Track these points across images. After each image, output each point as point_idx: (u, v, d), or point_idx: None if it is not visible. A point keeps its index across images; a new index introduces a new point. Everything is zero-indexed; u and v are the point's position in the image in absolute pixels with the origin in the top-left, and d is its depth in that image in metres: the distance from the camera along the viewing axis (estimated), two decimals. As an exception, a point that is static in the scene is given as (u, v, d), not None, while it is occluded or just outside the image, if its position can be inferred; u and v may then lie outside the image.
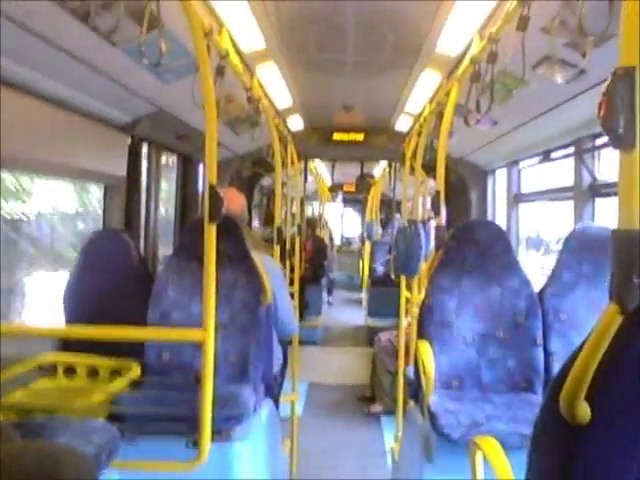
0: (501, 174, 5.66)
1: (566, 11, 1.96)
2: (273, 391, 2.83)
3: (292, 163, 4.95)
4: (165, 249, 4.69)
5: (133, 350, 2.42)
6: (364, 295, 9.85)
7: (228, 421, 2.22)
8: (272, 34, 3.16)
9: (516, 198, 5.25)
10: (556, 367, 2.58)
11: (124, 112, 3.41)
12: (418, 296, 3.53)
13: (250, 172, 6.38)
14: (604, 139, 3.56)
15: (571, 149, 3.96)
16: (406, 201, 4.59)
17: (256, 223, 9.05)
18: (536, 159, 4.71)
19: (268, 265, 2.76)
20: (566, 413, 0.87)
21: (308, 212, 11.25)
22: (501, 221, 5.30)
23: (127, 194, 3.75)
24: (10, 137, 2.37)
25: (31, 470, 1.31)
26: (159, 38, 1.91)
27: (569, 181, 3.99)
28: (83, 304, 2.78)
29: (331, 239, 12.38)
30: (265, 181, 8.34)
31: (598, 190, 3.72)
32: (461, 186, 5.95)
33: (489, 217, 5.84)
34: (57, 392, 2.33)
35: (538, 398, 2.53)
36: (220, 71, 2.55)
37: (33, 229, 3.77)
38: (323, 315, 8.29)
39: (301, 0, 2.81)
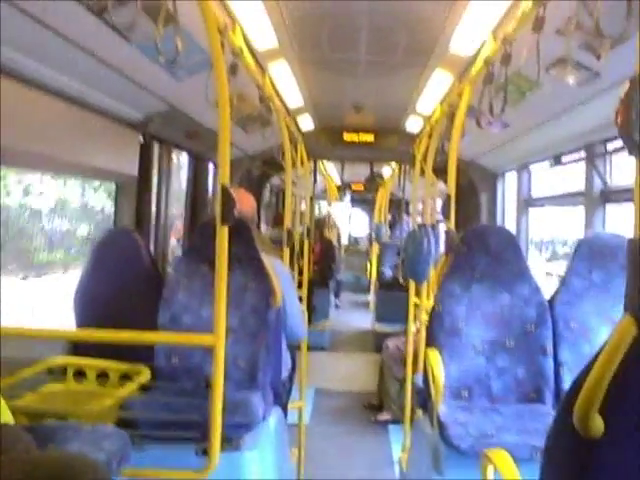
0: (511, 177, 5.64)
1: (582, 12, 1.94)
2: (282, 398, 2.79)
3: (302, 163, 4.94)
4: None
5: (143, 353, 2.41)
6: (371, 298, 9.81)
7: (238, 429, 2.20)
8: (284, 32, 3.15)
9: (526, 202, 5.22)
10: (566, 377, 2.56)
11: (136, 109, 3.41)
12: (427, 302, 3.51)
13: (260, 171, 6.38)
14: (616, 144, 3.54)
15: (582, 153, 3.93)
16: (416, 203, 4.58)
17: (264, 223, 9.04)
18: (547, 163, 4.69)
19: (278, 268, 2.73)
20: (579, 426, 0.86)
21: (316, 211, 11.22)
22: (510, 225, 5.28)
23: (138, 193, 3.74)
24: (21, 133, 2.37)
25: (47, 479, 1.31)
26: (174, 35, 1.91)
27: (580, 186, 3.97)
28: (93, 303, 2.77)
29: (339, 240, 12.35)
30: (274, 180, 8.33)
31: (609, 196, 3.70)
32: (471, 189, 5.92)
33: (499, 221, 5.81)
34: (67, 396, 2.33)
35: (548, 409, 2.51)
36: (233, 69, 2.55)
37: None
38: (330, 319, 8.26)
39: (314, -1, 2.81)
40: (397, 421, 4.69)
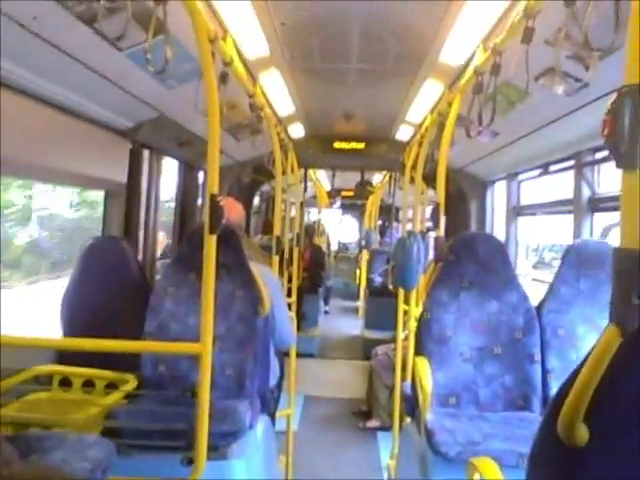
0: (501, 186, 5.66)
1: (571, 23, 1.96)
2: (269, 405, 2.78)
3: (292, 171, 4.94)
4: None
5: (130, 361, 2.40)
6: (361, 304, 9.80)
7: (224, 438, 2.19)
8: (276, 41, 3.16)
9: (515, 210, 5.25)
10: (553, 384, 2.57)
11: (126, 117, 3.40)
12: (416, 309, 3.51)
13: (250, 179, 6.38)
14: (604, 153, 3.56)
15: (571, 162, 3.96)
16: (406, 211, 4.58)
17: (253, 231, 9.02)
18: (536, 172, 4.71)
19: (266, 276, 2.73)
20: (564, 435, 0.87)
21: (306, 218, 11.20)
22: (500, 233, 5.30)
23: (127, 201, 3.73)
24: (10, 141, 2.36)
25: None
26: (165, 44, 1.90)
27: (569, 195, 4.00)
28: (80, 311, 2.77)
29: (328, 246, 12.35)
30: (264, 187, 8.33)
31: (597, 204, 3.72)
32: (460, 197, 5.94)
33: (488, 229, 5.83)
34: (53, 405, 2.31)
35: (535, 416, 2.52)
36: (224, 78, 2.55)
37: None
38: (320, 325, 8.26)
39: (305, 8, 2.81)
40: (386, 428, 4.70)
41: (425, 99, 4.18)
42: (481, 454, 1.68)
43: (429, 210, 3.45)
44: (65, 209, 5.22)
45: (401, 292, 4.04)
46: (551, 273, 2.83)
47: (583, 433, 0.85)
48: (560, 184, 4.39)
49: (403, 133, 5.63)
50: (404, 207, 4.51)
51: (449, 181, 3.18)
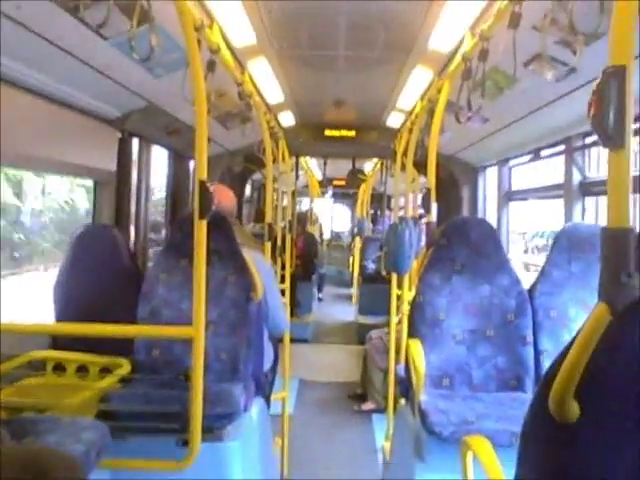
0: (492, 172, 5.68)
1: (557, 9, 1.96)
2: (264, 389, 2.81)
3: (283, 159, 4.93)
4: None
5: (123, 347, 2.41)
6: (354, 291, 9.84)
7: (219, 420, 2.20)
8: (263, 29, 3.14)
9: (507, 196, 5.27)
10: (546, 365, 2.57)
11: (114, 106, 3.38)
12: (409, 293, 3.53)
13: (241, 168, 6.36)
14: (594, 137, 3.58)
15: (561, 147, 3.97)
16: (398, 197, 4.59)
17: (246, 219, 9.02)
18: (527, 157, 4.73)
19: (258, 262, 2.74)
20: (555, 411, 0.87)
21: (298, 207, 11.20)
22: (491, 218, 5.32)
23: (117, 189, 3.72)
24: None
25: (18, 473, 1.30)
26: (150, 32, 1.89)
27: (559, 179, 4.01)
28: (72, 299, 2.77)
29: (321, 234, 12.35)
30: (256, 176, 8.32)
31: (588, 188, 3.74)
32: (452, 183, 5.96)
33: (480, 214, 5.85)
34: (46, 389, 2.32)
35: (528, 396, 2.52)
36: (211, 66, 2.54)
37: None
38: (314, 312, 8.29)
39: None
40: (380, 410, 4.73)
41: (415, 86, 4.17)
42: (474, 434, 1.69)
43: (421, 197, 3.46)
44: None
45: (394, 277, 4.06)
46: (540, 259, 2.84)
47: (574, 409, 0.85)
48: (551, 169, 4.41)
49: (394, 120, 5.62)
50: (395, 194, 4.52)
51: (440, 167, 3.19)
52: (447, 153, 5.56)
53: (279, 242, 4.49)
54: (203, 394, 1.98)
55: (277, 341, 3.35)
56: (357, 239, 9.89)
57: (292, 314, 5.11)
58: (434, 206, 3.03)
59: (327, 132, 6.15)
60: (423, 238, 3.36)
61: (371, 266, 8.29)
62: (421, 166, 3.58)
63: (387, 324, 4.60)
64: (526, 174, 5.16)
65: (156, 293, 2.58)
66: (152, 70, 2.97)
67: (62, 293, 2.81)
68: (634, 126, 2.18)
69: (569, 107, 3.13)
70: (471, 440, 1.56)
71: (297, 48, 3.53)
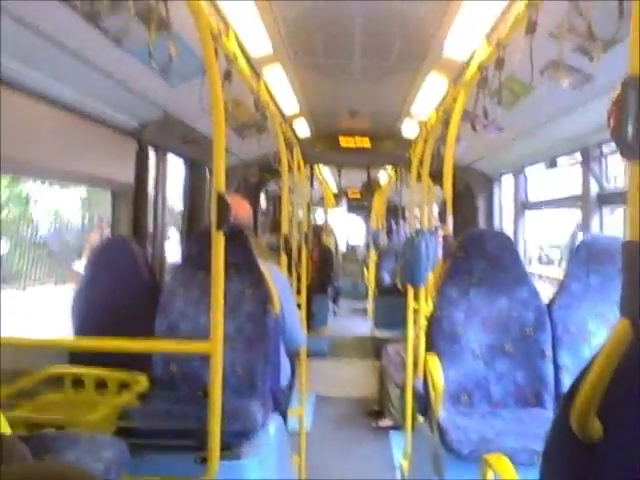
0: (508, 181, 5.64)
1: (575, 15, 1.95)
2: (281, 405, 2.77)
3: (298, 169, 4.94)
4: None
5: (141, 361, 2.40)
6: (369, 304, 9.79)
7: (237, 437, 2.18)
8: (279, 38, 3.16)
9: (523, 206, 5.23)
10: (566, 380, 2.54)
11: (131, 116, 3.40)
12: (425, 306, 3.50)
13: (257, 178, 6.37)
14: (612, 146, 3.54)
15: (578, 157, 3.94)
16: (413, 209, 4.57)
17: (261, 230, 9.03)
18: (543, 166, 4.69)
19: (275, 275, 2.71)
20: (577, 430, 0.85)
21: (312, 219, 11.19)
22: (508, 229, 5.28)
23: (134, 201, 3.73)
24: (15, 141, 2.37)
25: None
26: (168, 41, 1.90)
27: (577, 189, 3.98)
28: (91, 313, 2.77)
29: (336, 246, 12.32)
30: (271, 187, 8.33)
31: (606, 199, 3.70)
32: (468, 194, 5.92)
33: (496, 225, 5.81)
34: (65, 405, 2.31)
35: (548, 413, 2.49)
36: (227, 75, 2.55)
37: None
38: (329, 325, 8.24)
39: (308, 4, 2.81)
40: (398, 427, 4.67)
41: (430, 94, 4.17)
42: (494, 452, 1.66)
43: (437, 208, 3.44)
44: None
45: (410, 290, 4.03)
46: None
47: (597, 428, 0.83)
48: (568, 179, 4.37)
49: (409, 129, 5.62)
50: (411, 205, 4.50)
51: (456, 178, 3.17)
52: (463, 164, 5.53)
53: (295, 254, 4.48)
54: (221, 411, 1.95)
55: (294, 355, 3.33)
56: (372, 251, 9.86)
57: (308, 328, 5.08)
58: (450, 218, 3.01)
59: (342, 141, 6.15)
60: (439, 250, 3.33)
61: (387, 278, 8.24)
62: (437, 176, 3.56)
63: (403, 338, 4.56)
64: (543, 184, 5.12)
65: (174, 306, 2.57)
66: (169, 79, 2.99)
67: (80, 306, 2.82)
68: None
69: (586, 115, 3.10)
70: (491, 458, 1.55)
71: (312, 56, 3.55)
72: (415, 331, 4.02)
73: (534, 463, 1.99)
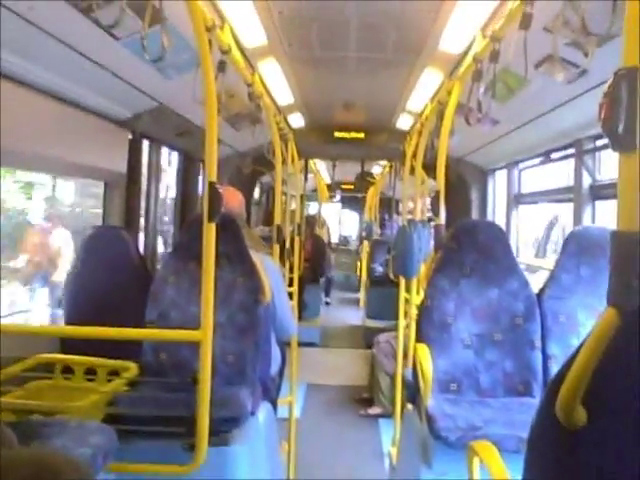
0: (501, 174, 5.66)
1: (569, 10, 1.95)
2: (271, 393, 2.79)
3: (292, 161, 4.93)
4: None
5: (131, 349, 2.40)
6: (361, 295, 9.82)
7: (225, 423, 2.19)
8: (274, 30, 3.15)
9: (516, 199, 5.25)
10: (554, 370, 2.52)
11: (125, 107, 3.39)
12: (417, 297, 3.51)
13: (250, 169, 6.36)
14: (605, 140, 3.56)
15: (572, 150, 3.95)
16: (406, 201, 4.58)
17: (254, 222, 9.02)
18: (536, 160, 4.71)
19: (267, 265, 2.72)
20: (562, 417, 0.86)
21: (306, 211, 11.20)
22: (500, 221, 5.30)
23: (127, 191, 3.72)
24: (7, 131, 2.35)
25: (25, 477, 1.30)
26: (161, 32, 1.90)
27: (570, 182, 3.99)
28: (82, 301, 2.77)
29: (329, 238, 12.33)
30: (265, 178, 8.32)
31: (598, 192, 3.72)
32: (461, 186, 5.93)
33: (489, 218, 5.83)
34: (54, 392, 2.31)
35: (536, 402, 2.49)
36: (222, 67, 2.54)
37: None
38: (321, 315, 8.28)
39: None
40: (387, 415, 4.72)
41: (425, 87, 4.17)
42: (481, 439, 1.68)
43: (429, 200, 3.45)
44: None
45: (402, 281, 4.04)
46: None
47: (581, 415, 0.84)
48: (561, 172, 4.39)
49: (403, 122, 5.62)
50: (404, 197, 4.51)
51: (449, 170, 3.18)
52: (456, 156, 5.54)
53: (287, 245, 4.48)
54: (210, 398, 1.97)
55: (284, 345, 3.34)
56: (365, 243, 9.88)
57: (300, 317, 5.10)
58: (443, 209, 3.01)
59: (337, 134, 6.15)
60: (431, 241, 3.34)
61: (379, 269, 8.27)
62: (430, 169, 3.57)
63: (395, 328, 4.59)
64: (536, 177, 5.14)
65: (164, 295, 2.57)
66: (163, 70, 2.98)
67: (72, 294, 2.82)
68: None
69: (580, 109, 3.11)
70: (478, 446, 1.56)
71: (307, 49, 3.54)
72: (406, 321, 4.04)
73: (520, 450, 1.99)
